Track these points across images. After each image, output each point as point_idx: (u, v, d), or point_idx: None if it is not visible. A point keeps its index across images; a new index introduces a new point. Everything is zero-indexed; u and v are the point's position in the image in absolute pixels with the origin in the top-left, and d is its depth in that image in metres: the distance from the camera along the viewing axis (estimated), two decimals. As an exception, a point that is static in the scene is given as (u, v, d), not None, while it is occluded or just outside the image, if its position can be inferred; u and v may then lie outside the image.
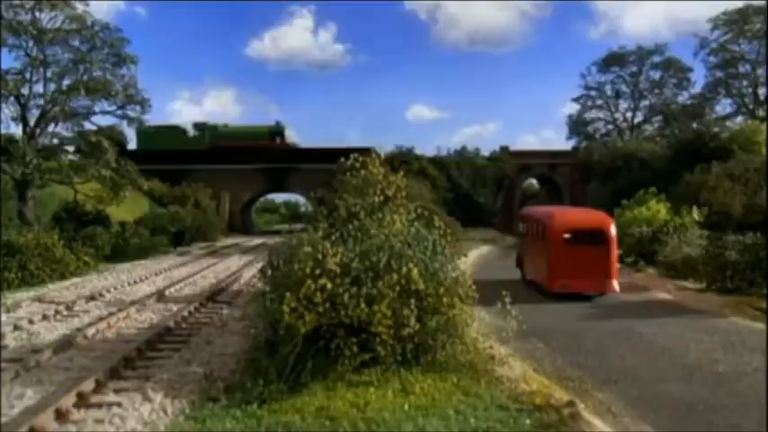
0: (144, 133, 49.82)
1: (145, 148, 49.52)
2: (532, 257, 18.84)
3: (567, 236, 16.69)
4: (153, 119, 48.19)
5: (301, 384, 7.55)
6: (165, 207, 40.59)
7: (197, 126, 53.19)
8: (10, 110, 37.30)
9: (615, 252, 16.95)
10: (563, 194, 51.39)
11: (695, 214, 25.76)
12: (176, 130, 52.42)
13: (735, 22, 54.63)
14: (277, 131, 52.28)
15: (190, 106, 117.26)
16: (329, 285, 7.87)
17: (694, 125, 53.84)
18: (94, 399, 7.76)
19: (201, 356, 9.87)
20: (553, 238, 16.77)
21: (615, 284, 16.42)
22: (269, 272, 9.57)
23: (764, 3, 50.02)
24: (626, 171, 41.57)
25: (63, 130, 39.71)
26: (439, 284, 8.40)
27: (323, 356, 8.01)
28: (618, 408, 7.43)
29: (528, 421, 6.43)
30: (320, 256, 8.15)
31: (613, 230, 16.94)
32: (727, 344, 10.70)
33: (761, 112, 53.48)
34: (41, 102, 38.14)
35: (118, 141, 47.36)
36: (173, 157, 48.56)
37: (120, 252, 27.19)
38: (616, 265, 16.95)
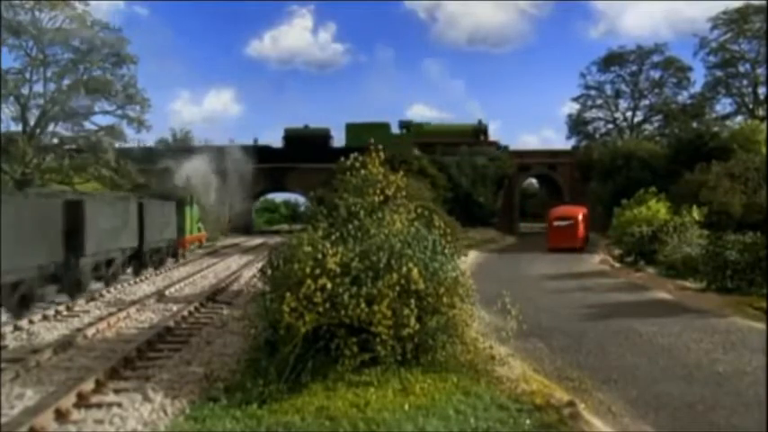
0: (352, 128, 51.49)
1: (352, 144, 50.26)
2: (546, 233, 36.35)
3: (555, 220, 34.44)
4: (153, 119, 48.31)
5: (301, 384, 7.55)
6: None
7: (402, 124, 54.12)
8: (10, 110, 37.34)
9: (581, 228, 33.99)
10: (563, 194, 51.31)
11: (695, 214, 25.72)
12: (383, 127, 52.93)
13: (734, 21, 54.47)
14: (481, 129, 53.44)
15: (190, 106, 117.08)
16: (329, 285, 7.87)
17: (694, 124, 53.73)
18: (94, 399, 7.77)
19: (201, 356, 9.87)
20: (549, 222, 35.18)
21: (580, 244, 32.97)
22: (269, 272, 9.56)
23: (764, 2, 49.96)
24: (626, 170, 41.48)
25: (63, 129, 39.75)
26: (439, 284, 8.40)
27: (323, 356, 8.01)
28: (618, 407, 7.43)
29: (528, 421, 6.43)
30: (320, 256, 8.15)
31: (581, 217, 34.28)
32: (727, 343, 10.70)
33: (761, 112, 53.35)
34: (41, 102, 38.13)
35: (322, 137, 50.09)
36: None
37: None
38: (581, 235, 33.69)
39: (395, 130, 53.76)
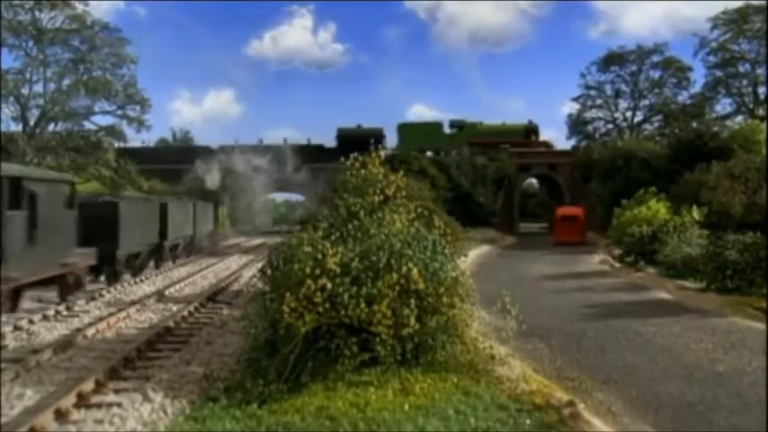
0: (405, 128, 52.53)
1: (405, 143, 51.44)
2: (552, 229, 41.93)
3: (560, 218, 40.06)
4: (153, 119, 48.49)
5: (301, 384, 7.55)
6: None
7: (454, 124, 54.58)
8: (10, 110, 37.33)
9: (583, 225, 39.48)
10: (563, 194, 51.29)
11: (695, 213, 25.71)
12: (435, 127, 53.97)
13: (734, 21, 54.50)
14: (531, 129, 54.23)
15: (190, 106, 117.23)
16: (329, 285, 7.86)
17: (694, 124, 53.78)
18: (94, 399, 7.76)
19: (201, 356, 9.86)
20: (556, 220, 40.57)
21: (581, 239, 37.86)
22: (269, 272, 9.56)
23: (764, 2, 49.95)
24: (626, 170, 41.50)
25: (63, 129, 39.72)
26: (439, 284, 8.39)
27: (323, 356, 8.00)
28: (618, 407, 7.43)
29: (528, 421, 6.42)
30: (320, 256, 8.14)
31: (582, 216, 39.89)
32: (727, 344, 10.69)
33: (761, 112, 53.37)
34: (41, 102, 38.11)
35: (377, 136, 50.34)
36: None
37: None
38: (582, 231, 39.00)
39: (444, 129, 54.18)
